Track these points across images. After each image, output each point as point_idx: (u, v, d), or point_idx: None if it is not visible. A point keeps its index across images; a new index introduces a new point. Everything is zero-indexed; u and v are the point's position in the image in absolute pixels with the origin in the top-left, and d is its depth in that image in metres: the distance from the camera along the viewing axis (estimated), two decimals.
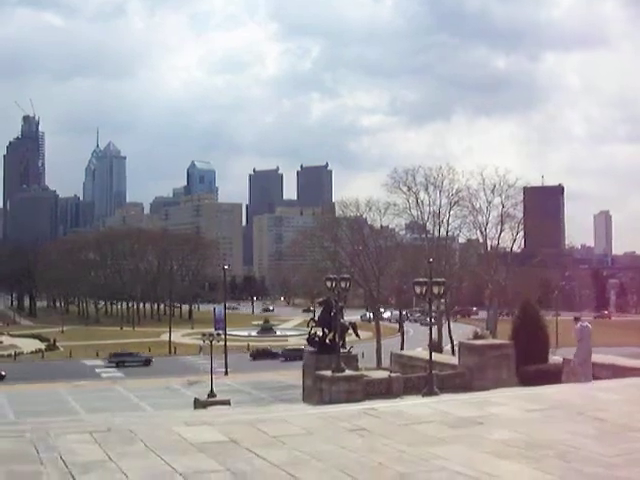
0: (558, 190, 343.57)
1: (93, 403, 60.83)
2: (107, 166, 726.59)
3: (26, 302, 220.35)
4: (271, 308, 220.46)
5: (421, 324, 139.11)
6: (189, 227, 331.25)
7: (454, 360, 37.24)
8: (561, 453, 10.24)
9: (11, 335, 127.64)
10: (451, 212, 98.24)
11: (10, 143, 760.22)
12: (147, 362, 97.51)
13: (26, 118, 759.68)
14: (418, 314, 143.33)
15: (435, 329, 69.94)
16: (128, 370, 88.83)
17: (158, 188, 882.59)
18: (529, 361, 31.65)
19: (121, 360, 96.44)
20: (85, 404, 61.13)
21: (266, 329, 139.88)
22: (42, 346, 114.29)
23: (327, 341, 44.73)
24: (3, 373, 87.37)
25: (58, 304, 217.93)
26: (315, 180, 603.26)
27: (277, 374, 78.21)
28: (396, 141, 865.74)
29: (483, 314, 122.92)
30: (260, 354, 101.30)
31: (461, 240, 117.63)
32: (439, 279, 39.49)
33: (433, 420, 13.25)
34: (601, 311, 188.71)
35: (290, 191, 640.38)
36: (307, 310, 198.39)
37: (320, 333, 46.27)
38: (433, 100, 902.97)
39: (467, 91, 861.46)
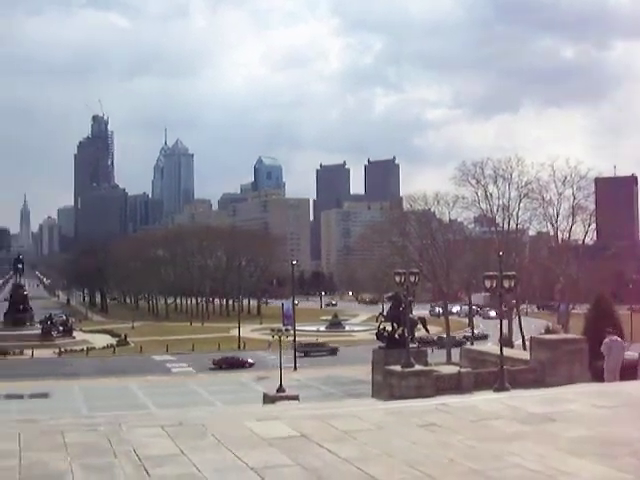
0: (631, 180, 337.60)
1: (163, 398, 61.47)
2: (175, 163, 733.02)
3: (97, 298, 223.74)
4: (333, 302, 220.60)
5: (483, 317, 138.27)
6: (257, 223, 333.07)
7: (525, 355, 36.68)
8: (637, 451, 10.03)
9: (83, 331, 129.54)
10: (521, 204, 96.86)
11: (80, 143, 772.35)
12: (333, 352, 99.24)
13: (95, 118, 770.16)
14: (488, 308, 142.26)
15: (505, 323, 69.21)
16: (198, 364, 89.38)
17: (225, 184, 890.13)
18: (602, 356, 31.09)
19: (307, 350, 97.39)
20: (156, 399, 61.82)
21: (334, 324, 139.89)
22: (113, 341, 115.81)
23: (396, 336, 44.54)
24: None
25: (128, 300, 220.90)
26: (382, 174, 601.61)
27: (346, 369, 78.19)
28: (461, 134, 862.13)
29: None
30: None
31: (531, 233, 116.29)
32: (509, 273, 39.06)
33: (504, 416, 13.08)
34: None
35: (357, 186, 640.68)
36: (368, 302, 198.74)
37: (389, 328, 46.09)
38: (498, 92, 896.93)
39: (534, 82, 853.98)
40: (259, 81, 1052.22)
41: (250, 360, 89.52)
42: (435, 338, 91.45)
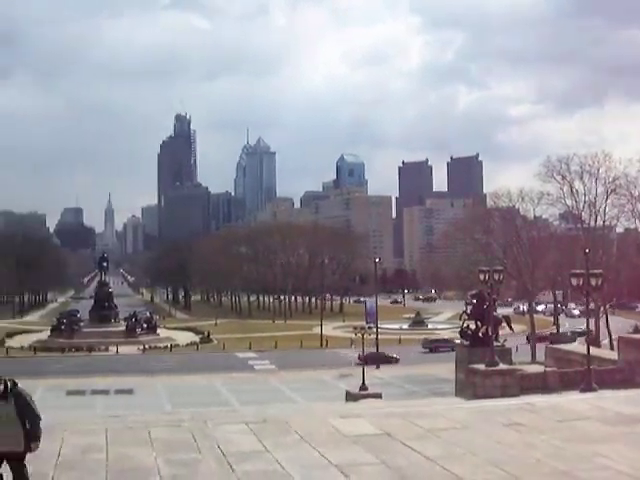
0: None
1: (246, 395, 61.71)
2: (257, 162, 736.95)
3: (181, 296, 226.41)
4: (425, 297, 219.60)
5: (567, 316, 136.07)
6: (339, 220, 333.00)
7: (613, 355, 35.94)
8: None
9: (167, 328, 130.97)
10: (608, 201, 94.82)
11: (163, 142, 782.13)
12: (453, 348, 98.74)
13: (178, 117, 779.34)
14: (574, 306, 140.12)
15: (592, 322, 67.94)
16: (280, 362, 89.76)
17: (308, 182, 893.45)
18: None
19: (435, 346, 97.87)
20: (239, 396, 62.12)
21: (417, 322, 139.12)
22: (197, 339, 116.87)
23: (480, 334, 44.13)
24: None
25: (212, 298, 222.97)
26: (465, 171, 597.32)
27: (429, 367, 77.66)
28: (546, 130, 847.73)
29: None
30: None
31: (619, 230, 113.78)
32: (596, 271, 38.33)
33: (592, 416, 12.83)
34: None
35: (439, 183, 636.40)
36: (427, 299, 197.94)
37: (473, 326, 45.67)
38: (583, 85, 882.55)
39: (620, 74, 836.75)
40: (339, 79, 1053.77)
41: (396, 355, 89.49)
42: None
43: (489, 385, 30.86)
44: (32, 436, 11.08)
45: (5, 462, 11.24)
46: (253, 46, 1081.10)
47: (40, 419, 11.18)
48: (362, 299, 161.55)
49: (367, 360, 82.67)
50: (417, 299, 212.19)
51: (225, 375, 78.09)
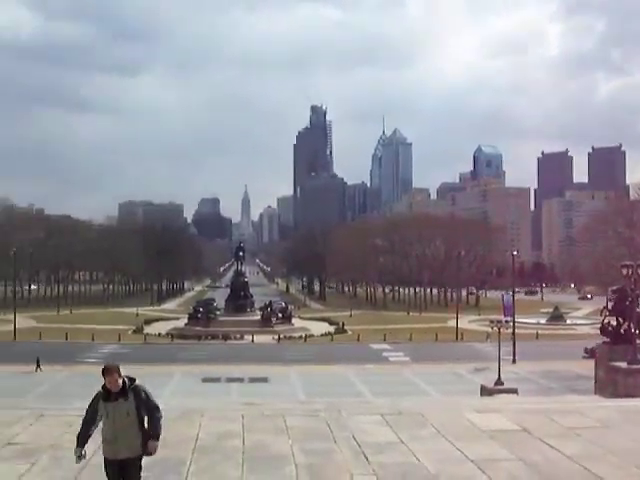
0: None
1: (380, 386, 61.71)
2: (393, 152, 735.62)
3: (316, 286, 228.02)
4: (532, 291, 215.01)
5: None
6: (476, 212, 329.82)
7: None
8: None
9: (302, 318, 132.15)
10: None
11: (299, 133, 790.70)
12: None
13: (314, 108, 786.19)
14: None
15: None
16: (414, 354, 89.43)
17: (444, 173, 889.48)
18: None
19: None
20: (372, 387, 62.19)
21: (556, 317, 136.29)
22: (331, 329, 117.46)
23: (622, 331, 42.93)
24: None
25: (347, 289, 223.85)
26: (607, 162, 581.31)
27: (567, 364, 76.05)
28: None
29: None
30: None
31: None
32: None
33: None
34: None
35: (580, 174, 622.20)
36: (583, 298, 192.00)
37: (614, 323, 44.45)
38: None
39: None
40: (476, 68, 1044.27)
41: None
42: None
43: (631, 384, 30.00)
44: (153, 434, 10.24)
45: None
46: (388, 36, 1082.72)
47: (161, 416, 10.30)
48: (499, 292, 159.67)
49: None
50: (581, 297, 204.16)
51: (359, 366, 78.26)
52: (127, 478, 10.16)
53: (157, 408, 10.31)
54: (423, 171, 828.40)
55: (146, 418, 10.26)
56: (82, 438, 10.03)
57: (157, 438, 10.27)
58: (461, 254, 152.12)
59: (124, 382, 10.15)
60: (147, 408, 10.20)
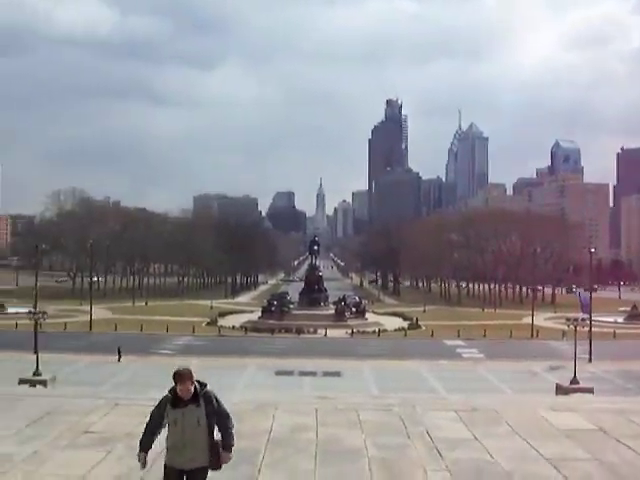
0: None
1: (453, 383, 61.40)
2: (469, 147, 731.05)
3: (390, 281, 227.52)
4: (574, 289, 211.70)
5: None
6: (553, 208, 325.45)
7: None
8: None
9: (375, 313, 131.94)
10: None
11: (374, 127, 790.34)
12: None
13: (389, 102, 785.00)
14: None
15: None
16: (489, 351, 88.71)
17: (521, 168, 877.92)
18: None
19: None
20: (445, 383, 61.89)
21: (634, 316, 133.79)
22: (405, 324, 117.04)
23: None
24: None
25: (421, 284, 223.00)
26: None
27: None
28: None
29: None
30: None
31: None
32: None
33: None
34: None
35: None
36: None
37: None
38: None
39: None
40: (554, 61, 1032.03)
41: None
42: None
43: None
44: (225, 445, 9.61)
45: None
46: (464, 29, 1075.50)
47: (234, 425, 9.73)
48: (575, 289, 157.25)
49: None
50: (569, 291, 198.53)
51: (432, 362, 77.94)
52: None
53: (229, 416, 9.67)
54: (499, 166, 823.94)
55: (216, 427, 9.63)
56: (145, 444, 9.47)
57: (230, 449, 9.66)
58: (537, 250, 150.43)
59: (195, 388, 9.45)
60: (218, 416, 9.57)
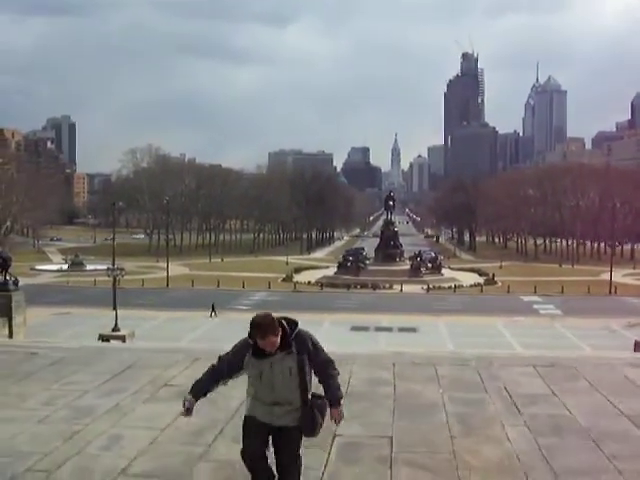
0: None
1: (530, 339, 61.09)
2: (547, 101, 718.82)
3: (466, 237, 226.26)
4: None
5: None
6: (633, 163, 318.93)
7: None
8: None
9: (451, 268, 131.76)
10: None
11: (450, 81, 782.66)
12: None
13: (465, 55, 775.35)
14: None
15: None
16: (566, 307, 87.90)
17: (600, 122, 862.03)
18: None
19: None
20: (521, 339, 61.63)
21: None
22: (481, 280, 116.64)
23: None
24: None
25: (497, 240, 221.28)
26: None
27: None
28: None
29: None
30: None
31: None
32: None
33: None
34: None
35: None
36: None
37: None
38: None
39: None
40: (636, 11, 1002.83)
41: None
42: None
43: None
44: (332, 398, 7.47)
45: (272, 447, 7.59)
46: None
47: (339, 373, 7.64)
48: None
49: None
50: None
51: (508, 318, 77.58)
52: (284, 451, 7.46)
53: (331, 362, 7.56)
54: (578, 120, 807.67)
55: (312, 377, 7.51)
56: (198, 389, 7.58)
57: (338, 403, 7.53)
58: (616, 206, 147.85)
59: (284, 330, 7.27)
60: (317, 363, 7.45)
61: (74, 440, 8.95)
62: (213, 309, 77.50)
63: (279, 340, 7.18)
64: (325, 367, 7.49)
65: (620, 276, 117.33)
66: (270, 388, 7.30)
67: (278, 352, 7.19)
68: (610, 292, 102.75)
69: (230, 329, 62.89)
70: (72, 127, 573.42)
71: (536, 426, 9.29)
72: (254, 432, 7.43)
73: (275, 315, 7.37)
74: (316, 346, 7.46)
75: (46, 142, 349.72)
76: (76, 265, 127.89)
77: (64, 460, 8.21)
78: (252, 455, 7.39)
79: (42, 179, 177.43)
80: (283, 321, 7.32)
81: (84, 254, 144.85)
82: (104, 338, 48.62)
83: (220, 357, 7.60)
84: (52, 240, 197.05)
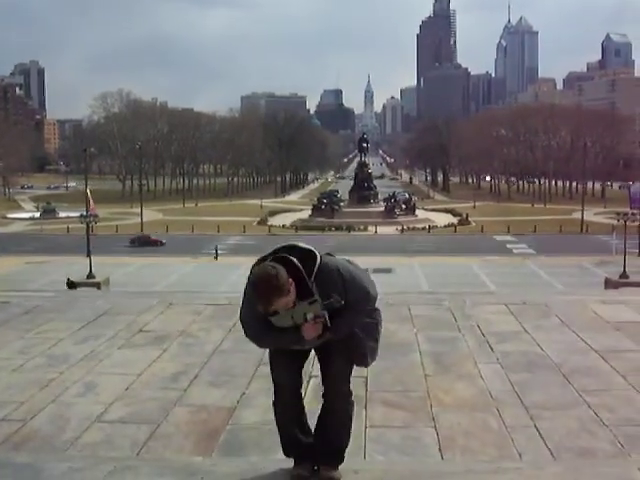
0: None
1: (503, 278, 61.63)
2: (518, 42, 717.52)
3: (439, 178, 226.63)
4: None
5: None
6: (604, 103, 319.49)
7: None
8: None
9: (425, 209, 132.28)
10: None
11: (422, 22, 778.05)
12: None
13: None
14: None
15: None
16: (539, 246, 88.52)
17: (571, 63, 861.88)
18: None
19: None
20: (495, 278, 62.10)
21: None
22: (454, 220, 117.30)
23: None
24: (164, 241, 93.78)
25: (470, 180, 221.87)
26: None
27: None
28: None
29: None
30: None
31: None
32: None
33: None
34: None
35: None
36: None
37: None
38: None
39: None
40: None
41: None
42: None
43: None
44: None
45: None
46: None
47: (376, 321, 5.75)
48: (626, 184, 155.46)
49: None
50: None
51: (482, 258, 78.13)
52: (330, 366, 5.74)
53: (367, 295, 5.57)
54: (549, 61, 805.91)
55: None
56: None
57: (323, 320, 5.34)
58: (587, 145, 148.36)
59: (298, 273, 5.28)
60: (347, 301, 5.41)
61: (50, 388, 8.96)
62: (216, 252, 78.48)
63: (294, 293, 5.24)
64: (355, 304, 5.46)
65: (592, 215, 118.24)
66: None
67: (297, 303, 5.25)
68: (582, 231, 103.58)
69: (205, 274, 63.10)
70: (41, 72, 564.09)
71: (508, 363, 9.43)
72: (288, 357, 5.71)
73: (285, 248, 5.44)
74: (350, 282, 5.47)
75: (15, 88, 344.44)
76: (48, 213, 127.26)
77: (40, 408, 8.23)
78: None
79: (11, 126, 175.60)
80: (294, 260, 5.29)
81: (57, 201, 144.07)
82: (71, 283, 48.44)
83: (246, 332, 5.58)
84: (23, 188, 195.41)
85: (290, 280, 5.16)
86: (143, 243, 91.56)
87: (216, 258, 77.95)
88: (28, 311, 13.22)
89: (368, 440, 7.18)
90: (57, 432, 7.62)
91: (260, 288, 5.16)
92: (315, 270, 5.35)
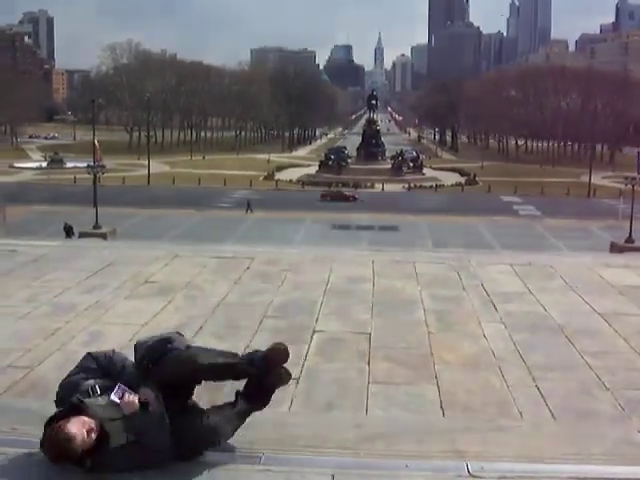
0: None
1: (509, 239, 61.59)
2: (532, 2, 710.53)
3: (448, 137, 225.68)
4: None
5: None
6: (616, 66, 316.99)
7: None
8: None
9: (433, 168, 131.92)
10: None
11: None
12: None
13: None
14: None
15: None
16: (545, 208, 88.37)
17: (584, 24, 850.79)
18: None
19: None
20: (501, 239, 62.13)
21: None
22: (462, 180, 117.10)
23: None
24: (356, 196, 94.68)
25: (478, 140, 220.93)
26: None
27: None
28: None
29: None
30: None
31: None
32: None
33: None
34: None
35: None
36: None
37: None
38: None
39: None
40: None
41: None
42: None
43: None
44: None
45: None
46: None
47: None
48: (636, 149, 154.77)
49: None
50: None
51: (488, 218, 78.08)
52: None
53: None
54: (562, 21, 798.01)
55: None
56: None
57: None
58: (598, 108, 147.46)
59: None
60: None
61: (55, 336, 9.03)
62: (249, 206, 78.32)
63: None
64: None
65: (599, 178, 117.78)
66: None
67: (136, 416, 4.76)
68: (589, 194, 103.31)
69: (211, 226, 63.18)
70: (50, 21, 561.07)
71: (512, 323, 9.47)
72: None
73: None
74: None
75: (23, 37, 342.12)
76: (56, 163, 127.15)
77: (45, 356, 8.30)
78: None
79: (19, 75, 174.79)
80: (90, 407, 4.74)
81: (64, 151, 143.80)
82: (85, 235, 48.59)
83: None
84: (31, 137, 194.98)
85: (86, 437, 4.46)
86: (335, 198, 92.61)
87: (246, 212, 77.69)
88: (35, 260, 13.28)
89: (370, 396, 7.23)
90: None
91: (53, 455, 4.55)
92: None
